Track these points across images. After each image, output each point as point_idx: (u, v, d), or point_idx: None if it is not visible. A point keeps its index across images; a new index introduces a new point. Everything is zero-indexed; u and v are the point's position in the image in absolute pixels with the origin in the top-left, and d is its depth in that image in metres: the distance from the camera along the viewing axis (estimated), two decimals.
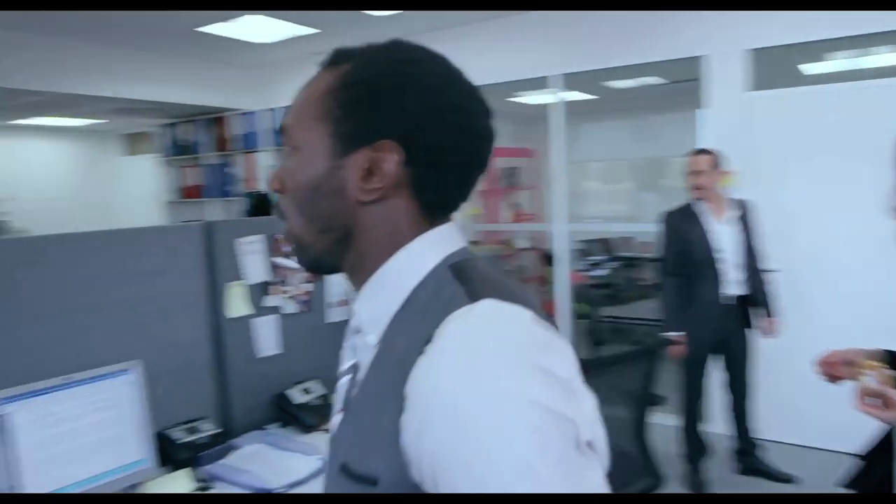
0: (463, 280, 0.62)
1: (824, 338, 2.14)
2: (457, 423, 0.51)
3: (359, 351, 0.70)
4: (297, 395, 2.21)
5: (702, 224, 3.30)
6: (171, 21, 4.27)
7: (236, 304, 2.16)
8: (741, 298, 3.34)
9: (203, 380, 2.08)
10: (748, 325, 3.40)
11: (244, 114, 5.89)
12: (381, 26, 4.52)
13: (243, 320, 2.18)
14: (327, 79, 0.67)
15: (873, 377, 1.18)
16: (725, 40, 3.85)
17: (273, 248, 2.28)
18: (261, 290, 2.24)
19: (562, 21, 4.32)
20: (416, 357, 0.56)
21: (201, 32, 4.56)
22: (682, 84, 4.75)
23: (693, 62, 3.98)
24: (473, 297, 0.59)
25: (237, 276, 2.17)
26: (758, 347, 3.46)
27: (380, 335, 0.65)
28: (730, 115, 3.87)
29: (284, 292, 2.33)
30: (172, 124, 6.54)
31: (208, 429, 1.97)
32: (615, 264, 6.37)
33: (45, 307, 1.70)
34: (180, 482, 1.71)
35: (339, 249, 0.69)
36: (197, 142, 6.35)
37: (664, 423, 3.46)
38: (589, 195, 7.70)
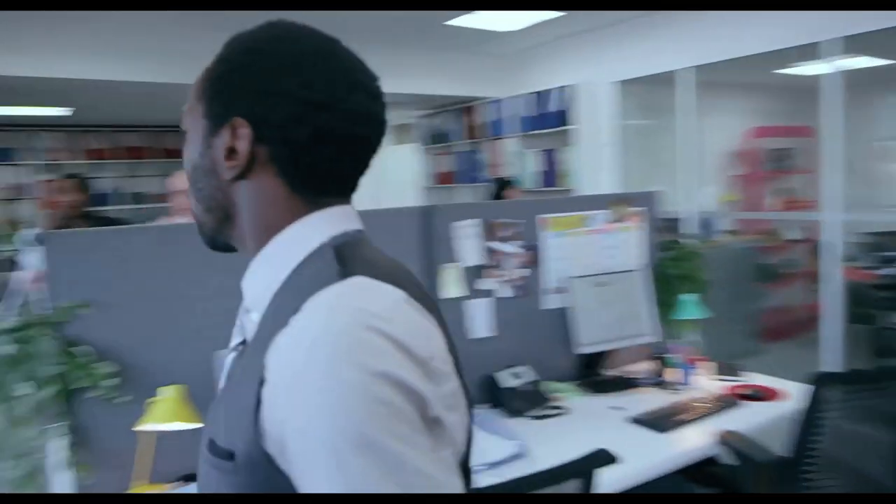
0: (342, 260, 0.61)
1: None
2: (300, 392, 0.51)
3: (246, 329, 0.70)
4: (507, 379, 2.22)
5: None
6: (422, 18, 4.56)
7: (450, 285, 2.24)
8: None
9: None
10: None
11: (492, 102, 6.08)
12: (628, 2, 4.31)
13: (457, 302, 2.25)
14: (210, 63, 0.68)
15: None
16: None
17: (489, 233, 2.31)
18: (475, 273, 2.29)
19: None
20: (279, 329, 0.55)
21: (450, 26, 4.79)
22: None
23: None
24: (345, 275, 0.59)
25: (452, 259, 2.24)
26: None
27: (262, 313, 0.64)
28: None
29: (499, 276, 2.36)
30: (430, 114, 7.02)
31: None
32: None
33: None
34: None
35: (224, 228, 0.70)
36: (449, 130, 6.72)
37: None
38: (884, 180, 6.51)
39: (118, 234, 1.74)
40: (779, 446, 1.81)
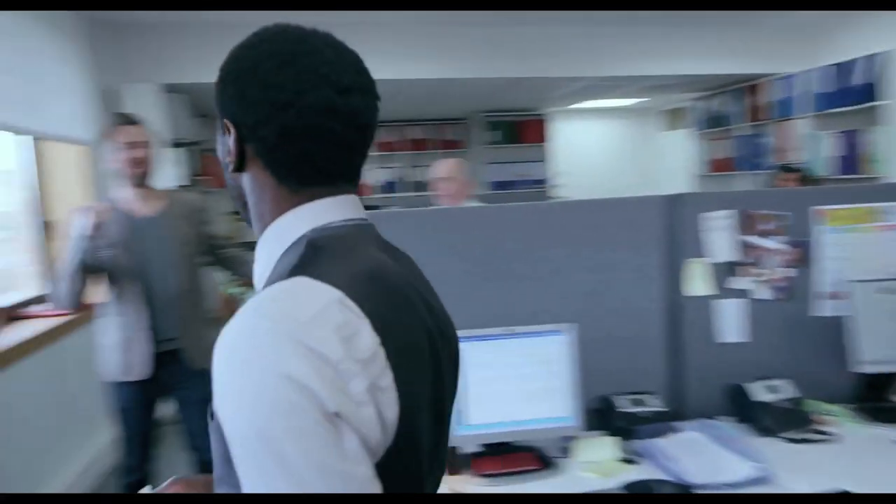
0: (308, 253, 0.66)
1: None
2: (223, 385, 0.59)
3: None
4: (760, 392, 1.96)
5: None
6: None
7: (696, 282, 2.04)
8: None
9: (655, 354, 2.05)
10: None
11: (782, 78, 5.39)
12: None
13: (703, 300, 2.04)
14: None
15: None
16: None
17: (746, 225, 2.05)
18: (726, 270, 2.05)
19: None
20: None
21: None
22: None
23: None
24: (293, 274, 0.63)
25: (699, 253, 2.04)
26: None
27: None
28: None
29: (757, 275, 2.08)
30: (706, 96, 6.47)
31: (654, 405, 1.94)
32: None
33: (511, 267, 1.95)
34: (605, 448, 1.75)
35: (245, 214, 0.77)
36: (729, 112, 6.13)
37: None
38: None
39: (380, 217, 1.92)
40: None
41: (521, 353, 1.71)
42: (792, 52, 5.38)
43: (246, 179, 0.74)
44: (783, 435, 1.86)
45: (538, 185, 7.77)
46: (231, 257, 2.67)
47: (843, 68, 4.72)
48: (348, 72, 0.71)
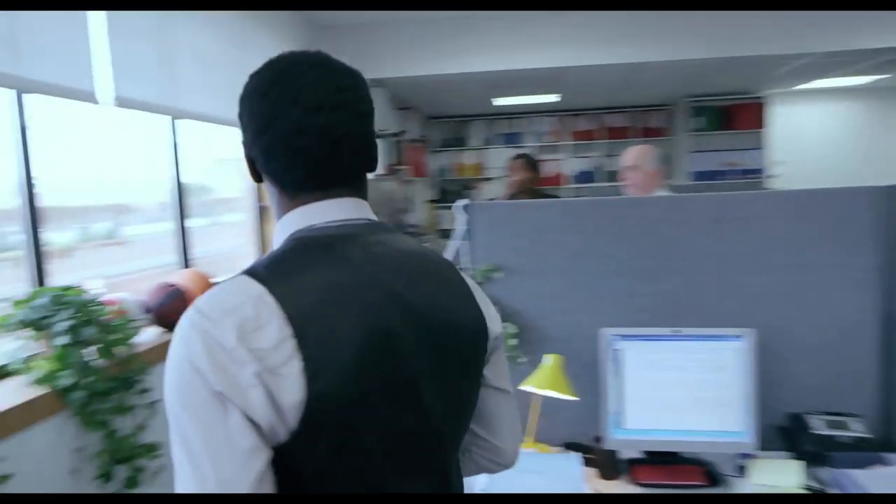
0: (274, 252, 0.79)
1: None
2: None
3: None
4: None
5: None
6: None
7: None
8: None
9: (864, 373, 1.76)
10: None
11: None
12: None
13: None
14: None
15: None
16: None
17: None
18: None
19: None
20: None
21: None
22: None
23: None
24: (245, 270, 0.75)
25: None
26: None
27: None
28: None
29: None
30: None
31: (857, 429, 1.67)
32: None
33: (685, 262, 1.78)
34: (788, 472, 1.54)
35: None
36: None
37: None
38: None
39: (532, 207, 1.88)
40: None
41: (690, 358, 1.57)
42: None
43: (265, 187, 0.87)
44: None
45: (750, 175, 7.07)
46: (426, 243, 2.78)
47: None
48: (323, 92, 0.79)
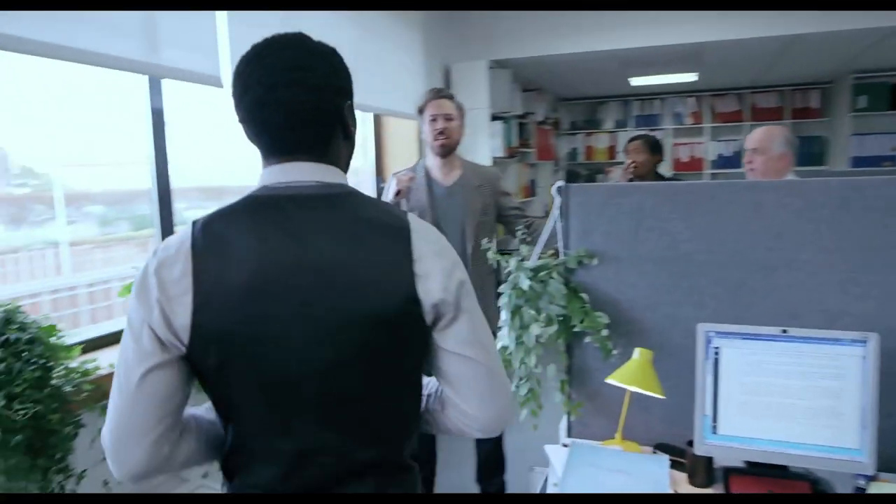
0: (225, 206, 0.95)
1: None
2: None
3: None
4: None
5: None
6: None
7: None
8: None
9: None
10: None
11: None
12: None
13: None
14: None
15: None
16: None
17: None
18: None
19: None
20: None
21: None
22: None
23: None
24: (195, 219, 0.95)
25: None
26: None
27: None
28: None
29: None
30: None
31: None
32: None
33: (796, 255, 1.60)
34: None
35: None
36: None
37: None
38: None
39: (631, 190, 1.76)
40: None
41: (801, 362, 1.40)
42: None
43: None
44: None
45: None
46: (525, 226, 2.72)
47: None
48: (280, 70, 0.92)
